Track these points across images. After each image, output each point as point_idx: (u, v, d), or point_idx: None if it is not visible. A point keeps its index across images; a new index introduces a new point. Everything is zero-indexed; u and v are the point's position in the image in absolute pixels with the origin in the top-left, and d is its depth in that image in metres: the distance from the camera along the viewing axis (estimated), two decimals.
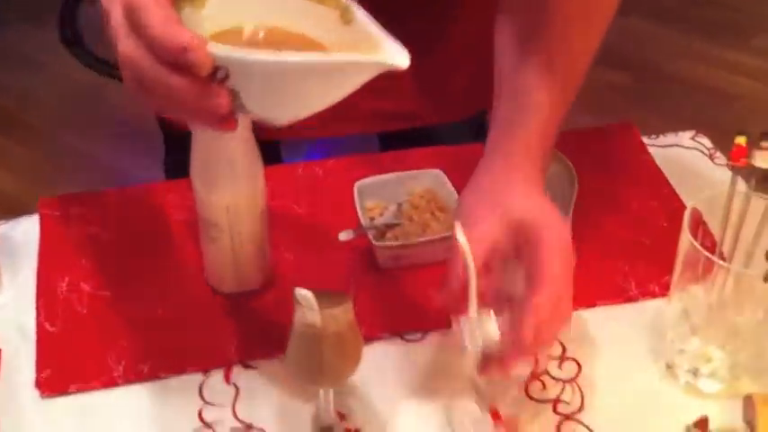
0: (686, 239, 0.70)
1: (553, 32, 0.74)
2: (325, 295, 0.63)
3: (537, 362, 0.77)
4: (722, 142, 0.94)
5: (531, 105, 0.73)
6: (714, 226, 0.76)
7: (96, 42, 2.14)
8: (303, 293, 0.61)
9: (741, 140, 0.69)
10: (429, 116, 1.04)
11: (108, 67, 2.18)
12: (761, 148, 0.69)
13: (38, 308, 0.81)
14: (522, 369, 0.74)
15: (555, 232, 0.69)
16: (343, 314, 0.64)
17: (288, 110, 0.55)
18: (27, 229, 0.89)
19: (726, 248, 0.76)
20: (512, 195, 0.71)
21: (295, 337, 0.65)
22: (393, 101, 1.01)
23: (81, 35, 2.19)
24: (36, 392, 0.75)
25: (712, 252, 0.70)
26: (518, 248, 0.69)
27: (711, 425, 0.72)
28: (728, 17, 2.64)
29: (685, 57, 2.50)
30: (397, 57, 0.53)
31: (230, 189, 0.75)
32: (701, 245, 0.69)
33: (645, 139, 1.00)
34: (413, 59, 0.64)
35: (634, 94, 2.33)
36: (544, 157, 0.74)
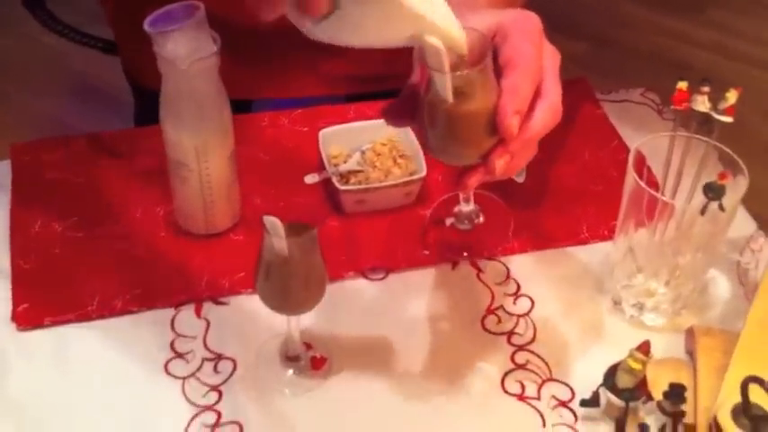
0: (631, 178, 0.74)
1: None
2: (293, 226, 0.67)
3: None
4: None
5: None
6: (657, 170, 0.81)
7: (60, 6, 2.13)
8: (271, 220, 0.64)
9: (683, 85, 0.74)
10: (397, 80, 1.06)
11: (72, 31, 2.17)
12: (701, 93, 0.74)
13: (12, 247, 0.84)
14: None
15: (523, 22, 0.67)
16: (309, 243, 0.67)
17: (361, 39, 0.61)
18: None
19: (667, 191, 0.81)
20: (473, 13, 0.69)
21: (263, 264, 0.68)
22: (363, 65, 1.04)
23: None
24: (12, 326, 0.78)
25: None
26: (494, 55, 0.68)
27: (656, 356, 0.77)
28: None
29: (641, 28, 2.56)
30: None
31: (198, 128, 0.78)
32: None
33: (597, 95, 1.05)
34: None
35: (590, 63, 2.38)
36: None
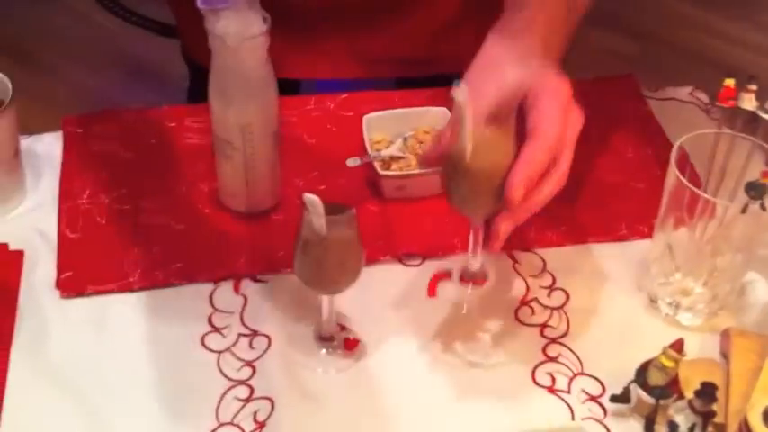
0: (672, 174, 0.74)
1: None
2: (332, 206, 0.68)
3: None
4: None
5: None
6: (700, 168, 0.81)
7: None
8: (311, 198, 0.65)
9: (729, 82, 0.73)
10: (444, 64, 1.07)
11: (126, 12, 2.22)
12: (748, 91, 0.73)
13: (60, 216, 0.86)
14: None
15: (554, 89, 0.70)
16: (347, 222, 0.68)
17: None
18: (50, 144, 0.93)
19: (710, 190, 0.80)
20: (511, 64, 0.72)
21: (300, 241, 0.69)
22: (404, 46, 1.05)
23: None
24: (56, 292, 0.80)
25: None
26: (522, 115, 0.70)
27: (690, 356, 0.77)
28: None
29: (692, 28, 2.53)
30: None
31: (245, 107, 0.79)
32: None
33: (644, 92, 1.04)
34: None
35: (639, 63, 2.35)
36: (551, 36, 0.75)
